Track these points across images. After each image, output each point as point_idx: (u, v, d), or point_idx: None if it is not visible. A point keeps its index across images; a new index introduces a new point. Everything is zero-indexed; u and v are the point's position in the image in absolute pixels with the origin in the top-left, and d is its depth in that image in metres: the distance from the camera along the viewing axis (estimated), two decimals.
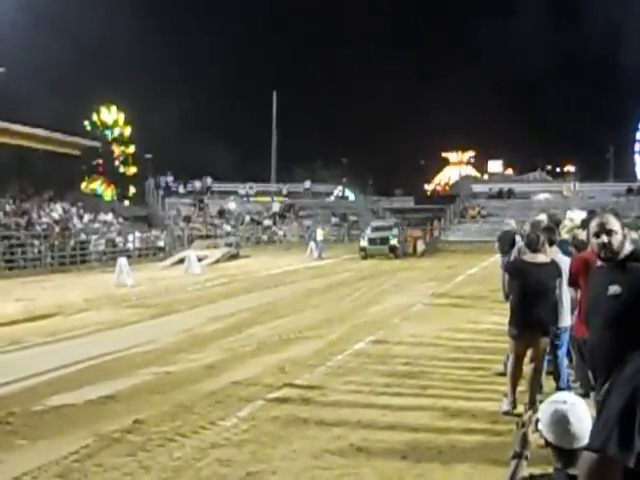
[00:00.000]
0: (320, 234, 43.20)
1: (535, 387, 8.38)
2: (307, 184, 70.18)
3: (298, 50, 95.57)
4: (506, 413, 8.35)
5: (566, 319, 8.55)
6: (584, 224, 7.77)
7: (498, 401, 8.68)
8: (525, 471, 3.26)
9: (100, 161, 74.60)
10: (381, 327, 15.13)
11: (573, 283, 7.45)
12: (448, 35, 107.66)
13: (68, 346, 13.90)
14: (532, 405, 7.91)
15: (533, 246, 8.38)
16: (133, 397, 9.70)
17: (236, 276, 29.46)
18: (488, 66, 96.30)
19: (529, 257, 8.42)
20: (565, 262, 8.32)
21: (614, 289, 4.47)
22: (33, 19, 52.84)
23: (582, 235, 8.86)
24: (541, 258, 8.31)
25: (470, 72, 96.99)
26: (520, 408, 8.19)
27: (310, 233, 50.48)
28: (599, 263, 4.98)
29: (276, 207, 65.34)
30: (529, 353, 8.43)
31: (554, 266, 8.30)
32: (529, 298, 8.17)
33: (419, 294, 21.47)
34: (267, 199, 67.51)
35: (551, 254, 8.62)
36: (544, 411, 3.22)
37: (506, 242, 12.78)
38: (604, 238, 4.80)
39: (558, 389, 8.42)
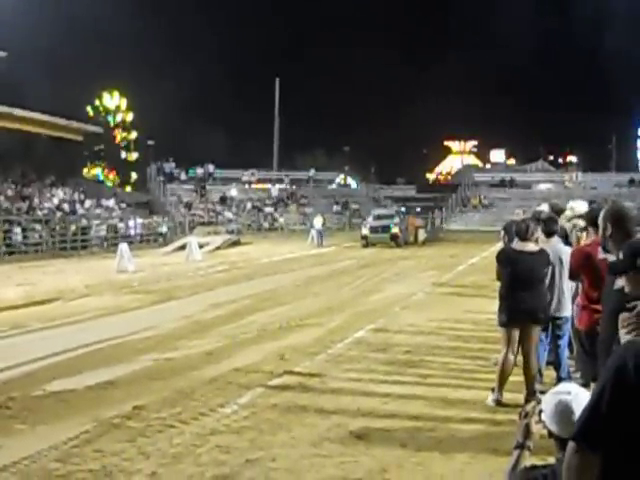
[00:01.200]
0: (319, 222, 42.84)
1: (532, 377, 8.37)
2: (311, 172, 69.92)
3: (300, 37, 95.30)
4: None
5: (567, 309, 8.54)
6: (586, 216, 7.67)
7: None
8: (527, 461, 3.25)
9: (102, 147, 74.49)
10: (382, 315, 15.13)
11: (574, 276, 7.41)
12: (451, 24, 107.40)
13: (68, 331, 13.90)
14: (531, 395, 7.90)
15: (522, 235, 8.39)
16: (133, 383, 9.70)
17: (237, 263, 29.47)
18: (491, 56, 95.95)
19: (518, 245, 8.44)
20: (565, 252, 8.32)
21: (619, 283, 4.50)
22: (36, 3, 52.62)
23: (583, 223, 8.86)
24: (530, 247, 8.32)
25: (474, 61, 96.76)
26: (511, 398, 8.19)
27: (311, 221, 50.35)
28: (609, 258, 5.00)
29: (275, 191, 65.15)
30: (521, 343, 8.41)
31: (543, 255, 8.33)
32: (517, 286, 8.21)
33: (420, 283, 21.47)
34: (269, 186, 67.35)
35: (551, 244, 8.62)
36: (548, 402, 3.20)
37: (512, 232, 12.73)
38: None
39: (559, 379, 8.41)
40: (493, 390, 8.47)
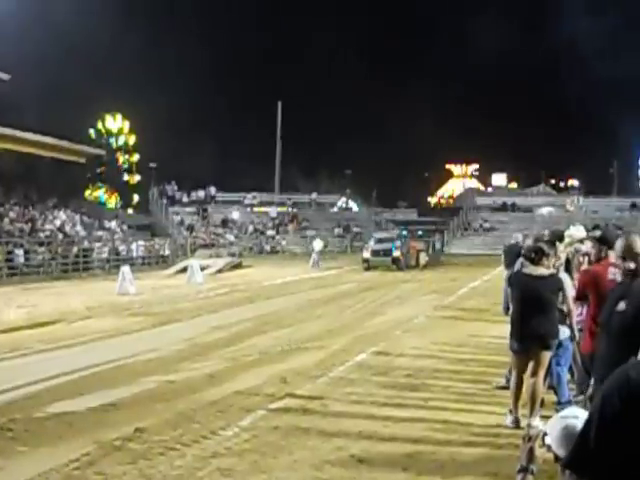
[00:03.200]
0: (319, 245, 43.00)
1: (536, 401, 8.35)
2: (313, 195, 70.11)
3: (302, 61, 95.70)
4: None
5: (564, 332, 8.51)
6: (602, 241, 7.48)
7: (500, 414, 8.67)
8: None
9: (104, 169, 74.59)
10: (383, 339, 15.11)
11: (580, 297, 7.38)
12: (453, 48, 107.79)
13: (70, 353, 13.91)
14: (534, 419, 7.91)
15: (531, 258, 8.35)
16: (135, 405, 9.69)
17: (238, 286, 29.46)
18: (493, 80, 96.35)
19: (530, 269, 8.40)
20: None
21: (621, 305, 4.57)
22: (39, 27, 52.97)
23: (585, 248, 8.87)
24: (541, 271, 8.27)
25: (475, 85, 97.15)
26: (523, 423, 8.17)
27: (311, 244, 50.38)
28: (618, 279, 5.07)
29: (274, 212, 65.25)
30: (530, 367, 8.40)
31: (554, 280, 8.25)
32: (528, 311, 8.15)
33: (421, 306, 21.46)
34: (270, 209, 67.53)
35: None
36: (554, 426, 3.19)
37: (511, 255, 12.77)
38: (631, 265, 4.90)
39: (559, 404, 8.39)
40: (511, 412, 8.48)
